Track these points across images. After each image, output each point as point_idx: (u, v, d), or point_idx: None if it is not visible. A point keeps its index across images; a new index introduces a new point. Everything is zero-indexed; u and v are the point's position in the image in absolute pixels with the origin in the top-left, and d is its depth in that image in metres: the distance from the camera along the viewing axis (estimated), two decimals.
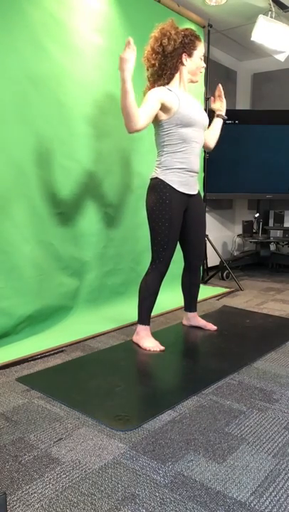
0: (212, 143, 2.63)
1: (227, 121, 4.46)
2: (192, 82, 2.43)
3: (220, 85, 2.65)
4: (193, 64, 2.35)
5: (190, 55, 2.33)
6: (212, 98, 2.69)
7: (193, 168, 2.39)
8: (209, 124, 2.60)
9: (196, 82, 2.46)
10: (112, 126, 3.02)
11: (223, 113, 2.65)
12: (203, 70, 2.43)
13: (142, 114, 2.15)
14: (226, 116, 2.66)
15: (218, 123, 2.65)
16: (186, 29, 2.34)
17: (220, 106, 2.65)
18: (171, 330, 2.77)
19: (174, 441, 1.53)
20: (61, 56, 2.62)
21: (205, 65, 2.43)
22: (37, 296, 2.59)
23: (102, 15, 2.88)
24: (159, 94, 2.22)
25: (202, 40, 2.40)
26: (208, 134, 2.61)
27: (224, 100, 2.65)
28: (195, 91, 3.56)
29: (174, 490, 1.28)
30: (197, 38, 2.35)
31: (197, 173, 2.45)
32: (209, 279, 4.26)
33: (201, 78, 3.80)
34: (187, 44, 2.30)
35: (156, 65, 2.29)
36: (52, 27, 2.55)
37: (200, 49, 2.36)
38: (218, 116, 2.65)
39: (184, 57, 2.31)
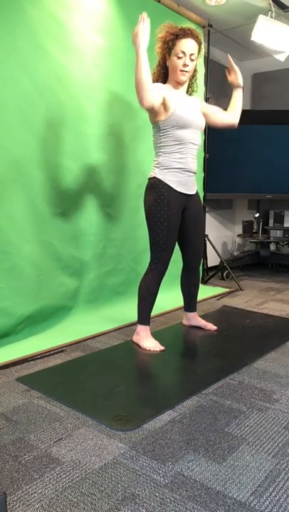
0: (236, 118, 2.56)
1: None
2: (178, 82, 2.33)
3: (229, 56, 2.57)
4: (171, 62, 2.30)
5: (169, 54, 2.30)
6: (226, 70, 2.58)
7: (191, 168, 2.39)
8: (226, 107, 2.57)
9: (179, 81, 2.32)
10: (113, 126, 3.02)
11: (241, 82, 2.56)
12: (183, 69, 2.27)
13: (154, 91, 2.16)
14: (242, 85, 2.58)
15: (238, 95, 2.57)
16: (177, 28, 2.28)
17: (235, 77, 2.56)
18: (171, 330, 2.77)
19: (174, 441, 1.53)
20: (61, 56, 2.62)
21: (185, 63, 2.25)
22: (37, 296, 2.59)
23: (102, 15, 2.88)
24: (162, 89, 2.25)
25: (188, 36, 2.24)
26: (233, 110, 2.55)
27: (238, 70, 2.55)
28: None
29: (174, 490, 1.28)
30: (178, 35, 2.24)
31: (195, 173, 2.45)
32: (209, 279, 4.26)
33: (200, 78, 3.80)
34: (168, 43, 2.27)
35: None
36: (52, 27, 2.55)
37: (178, 46, 2.24)
38: (236, 88, 2.58)
39: (167, 57, 2.32)
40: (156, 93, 2.18)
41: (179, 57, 2.26)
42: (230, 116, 2.56)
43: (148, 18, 2.09)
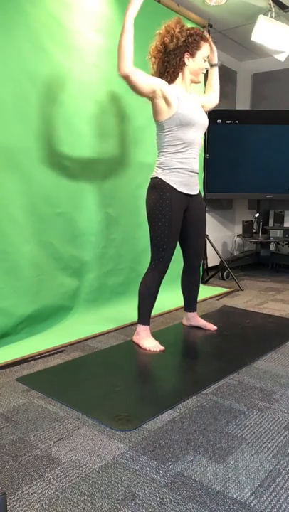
0: (217, 96, 2.63)
1: (227, 121, 4.49)
2: (194, 82, 2.40)
3: (207, 34, 2.56)
4: (196, 64, 2.32)
5: (193, 55, 2.30)
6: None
7: (193, 168, 2.39)
8: (206, 79, 2.61)
9: (198, 82, 2.42)
10: (113, 126, 3.02)
11: (216, 60, 2.62)
12: (204, 71, 2.39)
13: (138, 70, 2.14)
14: (219, 62, 2.64)
15: (214, 72, 2.64)
16: (193, 28, 2.32)
17: (212, 56, 2.59)
18: (171, 330, 2.77)
19: (174, 441, 1.53)
20: (61, 56, 2.62)
21: (208, 67, 2.38)
22: (37, 296, 2.59)
23: (102, 15, 2.88)
24: (161, 82, 2.23)
25: (208, 40, 2.35)
26: (211, 87, 2.61)
27: (214, 46, 2.58)
28: (195, 91, 3.55)
29: (174, 490, 1.28)
30: (203, 38, 2.31)
31: (197, 173, 2.44)
32: (209, 279, 4.26)
33: (201, 78, 3.80)
34: (190, 44, 2.27)
35: (159, 62, 2.30)
36: (52, 27, 2.55)
37: (204, 50, 2.32)
38: (212, 65, 2.63)
39: (186, 56, 2.29)
40: (147, 80, 2.17)
41: (204, 60, 2.35)
42: (213, 98, 2.63)
43: None
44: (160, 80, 2.25)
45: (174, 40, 2.24)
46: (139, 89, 2.18)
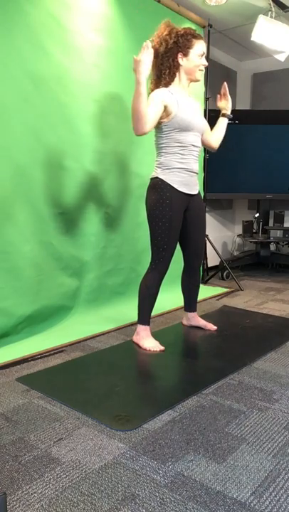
0: (217, 143, 2.60)
1: (227, 121, 4.48)
2: (192, 81, 2.39)
3: (225, 84, 2.60)
4: (190, 63, 2.31)
5: (186, 54, 2.30)
6: (218, 96, 2.64)
7: (193, 168, 2.39)
8: (213, 125, 2.59)
9: (197, 80, 2.41)
10: (113, 126, 3.02)
11: (229, 112, 2.61)
12: (203, 68, 2.38)
13: (149, 119, 2.16)
14: (231, 115, 2.62)
15: (223, 122, 2.60)
16: (184, 28, 2.32)
17: (225, 105, 2.60)
18: (171, 330, 2.77)
19: (174, 441, 1.53)
20: (61, 56, 2.62)
21: (206, 63, 2.36)
22: (37, 296, 2.59)
23: (102, 15, 2.88)
24: (162, 96, 2.23)
25: (202, 38, 2.34)
26: (213, 134, 2.57)
27: (229, 99, 2.60)
28: (195, 91, 3.56)
29: (174, 490, 1.28)
30: (195, 36, 2.31)
31: (197, 173, 2.45)
32: (209, 279, 4.26)
33: (201, 76, 3.80)
34: (182, 43, 2.27)
35: (154, 67, 2.32)
36: (52, 27, 2.55)
37: (198, 47, 2.31)
38: (223, 115, 2.61)
39: (180, 56, 2.30)
40: (155, 114, 2.19)
41: (200, 57, 2.33)
42: (213, 138, 2.58)
43: (151, 48, 2.12)
44: (159, 95, 2.23)
45: (163, 43, 2.27)
46: (155, 125, 2.23)
